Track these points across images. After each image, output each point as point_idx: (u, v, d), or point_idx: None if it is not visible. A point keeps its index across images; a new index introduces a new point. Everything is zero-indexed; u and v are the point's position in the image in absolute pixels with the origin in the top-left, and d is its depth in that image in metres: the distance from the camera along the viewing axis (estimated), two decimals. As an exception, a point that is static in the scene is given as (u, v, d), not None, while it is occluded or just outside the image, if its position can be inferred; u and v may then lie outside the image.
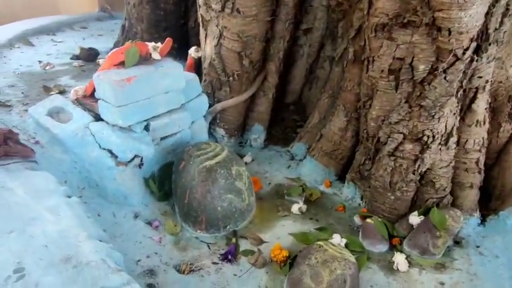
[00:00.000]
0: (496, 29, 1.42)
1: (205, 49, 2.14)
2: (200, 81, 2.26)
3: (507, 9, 1.42)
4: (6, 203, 1.10)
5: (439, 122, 1.55)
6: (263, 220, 1.79)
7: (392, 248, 1.67)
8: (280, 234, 1.70)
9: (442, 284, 1.49)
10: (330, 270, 1.30)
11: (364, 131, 1.85)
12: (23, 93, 2.19)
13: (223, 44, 1.96)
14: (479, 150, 1.75)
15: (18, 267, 0.88)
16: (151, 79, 1.56)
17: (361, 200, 1.96)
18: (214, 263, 1.45)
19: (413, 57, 1.47)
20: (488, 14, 1.35)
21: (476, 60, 1.44)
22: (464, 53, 1.37)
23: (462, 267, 1.58)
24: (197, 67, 2.32)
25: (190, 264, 1.42)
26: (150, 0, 2.45)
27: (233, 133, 2.34)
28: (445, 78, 1.44)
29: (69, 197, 1.17)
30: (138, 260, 1.39)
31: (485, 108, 1.73)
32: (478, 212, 1.82)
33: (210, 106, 2.20)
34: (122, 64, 1.58)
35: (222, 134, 2.31)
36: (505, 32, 1.59)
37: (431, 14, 1.32)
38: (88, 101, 1.73)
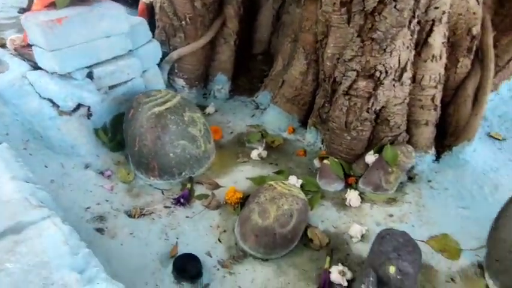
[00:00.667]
0: None
1: (155, -9, 2.00)
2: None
3: None
4: None
5: (391, 56, 1.50)
6: (222, 167, 1.79)
7: (348, 186, 1.70)
8: (237, 179, 1.70)
9: (391, 215, 1.55)
10: (277, 206, 1.32)
11: (322, 72, 1.80)
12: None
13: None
14: (435, 87, 1.73)
15: None
16: (87, 20, 1.45)
17: (322, 143, 1.96)
18: (166, 207, 1.46)
19: None
20: None
21: None
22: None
23: (412, 200, 1.63)
24: (150, 13, 2.17)
25: (141, 209, 1.42)
26: None
27: (194, 83, 2.27)
28: (395, 7, 1.37)
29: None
30: (88, 207, 1.38)
31: (443, 43, 1.68)
32: (433, 149, 1.84)
33: (166, 55, 2.12)
34: (53, 5, 1.46)
35: (181, 85, 2.23)
36: None
37: None
38: (26, 49, 1.61)
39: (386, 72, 1.54)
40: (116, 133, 1.71)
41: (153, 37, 2.00)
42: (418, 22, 1.55)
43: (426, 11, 1.57)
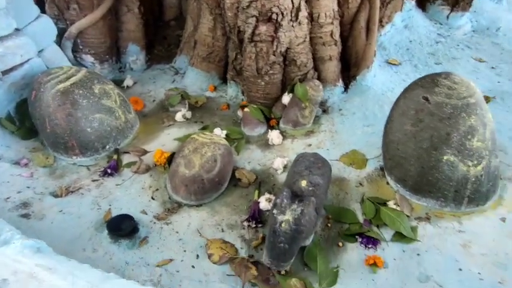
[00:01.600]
0: None
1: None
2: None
3: None
4: None
5: None
6: (148, 134, 1.80)
7: (271, 128, 1.84)
8: (165, 142, 1.73)
9: (310, 145, 1.72)
10: (200, 155, 1.40)
11: (227, 24, 1.85)
12: None
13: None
14: (332, 23, 1.88)
15: None
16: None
17: (243, 94, 2.05)
18: (94, 181, 1.46)
19: None
20: None
21: None
22: None
23: (326, 129, 1.82)
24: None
25: (67, 187, 1.40)
26: None
27: (104, 58, 2.17)
28: None
29: None
30: (7, 198, 1.33)
31: None
32: (340, 81, 2.04)
33: (64, 31, 1.98)
34: None
35: (90, 61, 2.12)
36: None
37: None
38: None
39: (282, 13, 1.64)
40: (23, 120, 1.61)
41: (44, 13, 1.86)
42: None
43: (310, -49, 1.67)
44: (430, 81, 1.31)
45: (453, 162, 1.26)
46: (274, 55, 1.74)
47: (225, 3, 1.73)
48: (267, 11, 1.62)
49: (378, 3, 1.98)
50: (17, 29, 1.59)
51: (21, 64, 1.62)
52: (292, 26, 1.71)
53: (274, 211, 1.10)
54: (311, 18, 1.82)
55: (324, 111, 1.96)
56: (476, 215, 1.32)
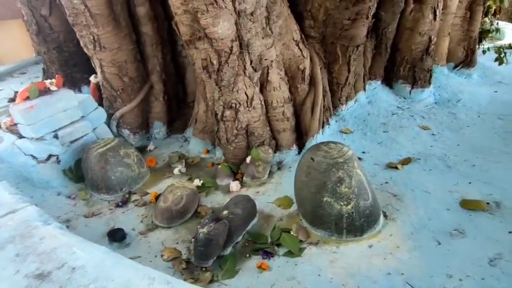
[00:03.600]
0: (248, 31, 2.30)
1: (98, 75, 2.97)
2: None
3: (252, 18, 2.30)
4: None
5: (238, 93, 2.43)
6: (153, 182, 2.63)
7: (237, 180, 2.54)
8: (162, 187, 2.53)
9: (258, 192, 2.37)
10: (173, 194, 2.15)
11: (210, 109, 2.73)
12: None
13: (105, 70, 2.80)
14: (283, 106, 2.65)
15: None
16: (49, 104, 2.38)
17: (224, 156, 2.83)
18: (110, 209, 2.28)
19: (209, 57, 2.34)
20: (237, 24, 2.23)
21: (242, 53, 2.32)
22: (231, 50, 2.26)
23: (274, 181, 2.47)
24: (99, 89, 3.14)
25: (93, 212, 2.24)
26: (55, 46, 3.26)
27: (136, 131, 3.17)
28: (228, 65, 2.32)
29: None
30: (58, 216, 2.20)
31: (280, 78, 2.63)
32: (295, 146, 2.72)
33: (112, 115, 3.05)
34: (28, 98, 2.39)
35: (127, 133, 3.14)
36: (278, 26, 2.50)
37: (203, 31, 2.19)
38: (13, 127, 2.52)
39: (240, 103, 2.47)
40: (78, 171, 2.57)
41: (102, 104, 2.96)
42: (255, 70, 2.50)
43: (260, 62, 2.53)
44: (316, 148, 1.96)
45: (330, 202, 1.83)
46: (237, 129, 2.54)
47: (210, 97, 2.63)
48: (229, 102, 2.46)
49: (320, 90, 2.72)
50: (82, 116, 2.64)
51: (82, 137, 2.64)
52: (248, 110, 2.51)
53: (198, 226, 1.78)
54: (266, 103, 2.62)
55: (279, 168, 2.63)
56: (353, 242, 1.82)
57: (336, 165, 1.84)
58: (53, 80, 2.50)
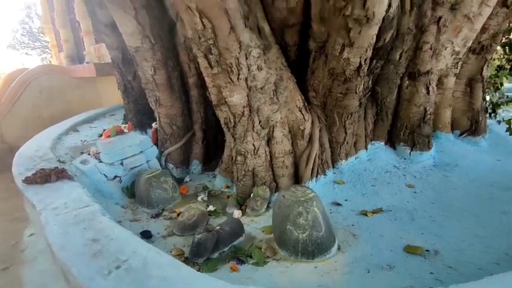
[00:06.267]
0: (258, 100, 3.18)
1: (157, 123, 4.12)
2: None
3: (261, 91, 3.19)
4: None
5: (247, 144, 3.27)
6: (181, 205, 3.51)
7: (239, 210, 3.28)
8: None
9: (253, 220, 3.08)
10: (188, 212, 2.99)
11: (228, 155, 3.61)
12: (71, 156, 4.26)
13: (161, 119, 3.93)
14: (283, 157, 3.40)
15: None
16: (121, 141, 3.51)
17: (236, 191, 3.62)
18: (146, 218, 3.20)
19: (228, 116, 3.25)
20: (248, 96, 3.13)
21: (251, 115, 3.18)
22: (243, 113, 3.15)
23: (268, 214, 3.14)
24: (157, 132, 4.28)
25: (136, 219, 3.18)
26: (133, 100, 4.58)
27: (178, 166, 4.18)
28: (240, 124, 3.20)
29: (84, 188, 3.05)
30: (113, 218, 3.18)
31: (283, 134, 3.42)
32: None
33: (162, 152, 4.13)
34: (109, 136, 3.56)
35: (171, 167, 4.16)
36: (283, 96, 3.35)
37: (224, 99, 3.14)
38: (97, 154, 3.71)
39: (248, 152, 3.29)
40: (131, 189, 3.60)
41: (156, 144, 4.06)
42: (262, 127, 3.33)
43: (267, 122, 3.36)
44: (288, 189, 2.65)
45: (291, 229, 2.47)
46: (244, 171, 3.34)
47: (228, 145, 3.53)
48: (240, 150, 3.31)
49: (316, 148, 3.42)
50: (141, 151, 3.73)
51: (138, 166, 3.71)
52: (254, 157, 3.32)
53: (195, 234, 2.56)
54: (270, 153, 3.41)
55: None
56: (304, 263, 2.39)
57: (298, 203, 2.51)
58: (126, 125, 3.67)
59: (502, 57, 4.14)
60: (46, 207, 2.73)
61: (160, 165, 4.02)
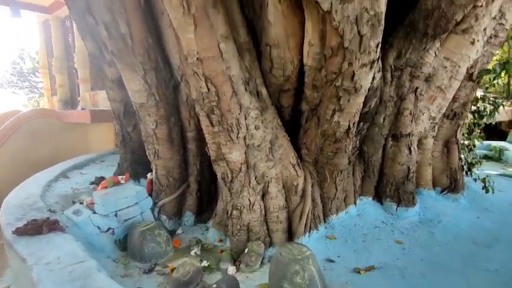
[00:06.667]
0: (254, 157, 3.36)
1: (153, 174, 4.20)
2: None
3: (258, 148, 3.38)
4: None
5: (243, 199, 3.38)
6: (174, 259, 3.48)
7: (233, 265, 3.28)
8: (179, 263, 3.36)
9: (247, 277, 3.08)
10: (183, 268, 2.97)
11: (222, 209, 3.69)
12: (62, 205, 4.20)
13: (158, 171, 4.02)
14: (277, 211, 3.51)
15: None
16: (117, 192, 3.55)
17: (230, 245, 3.63)
18: (138, 274, 3.14)
19: (226, 172, 3.40)
20: (246, 153, 3.31)
21: (248, 171, 3.34)
22: (240, 169, 3.30)
23: (263, 271, 3.15)
24: (152, 183, 4.33)
25: (127, 274, 3.12)
26: (130, 150, 4.68)
27: (171, 217, 4.18)
28: (237, 179, 3.34)
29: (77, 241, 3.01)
30: (111, 276, 3.11)
31: (277, 190, 3.56)
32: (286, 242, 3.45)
33: (156, 203, 4.15)
34: (106, 188, 3.60)
35: (164, 218, 4.15)
36: (278, 153, 3.55)
37: (223, 155, 3.30)
38: (91, 205, 3.70)
39: (243, 207, 3.39)
40: (124, 242, 3.55)
41: (150, 194, 4.10)
42: (258, 183, 3.48)
43: (263, 178, 3.52)
44: (284, 246, 2.73)
45: (288, 287, 2.51)
46: (239, 226, 3.41)
47: (224, 199, 3.62)
48: (236, 204, 3.41)
49: (308, 203, 3.56)
50: (136, 203, 3.76)
51: (132, 217, 3.70)
52: (250, 212, 3.41)
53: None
54: (265, 208, 3.51)
55: (270, 261, 3.33)
56: (302, 324, 2.40)
57: (295, 261, 2.58)
58: (123, 176, 3.73)
59: (472, 122, 4.60)
60: (38, 262, 2.68)
61: (154, 216, 4.02)
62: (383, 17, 2.65)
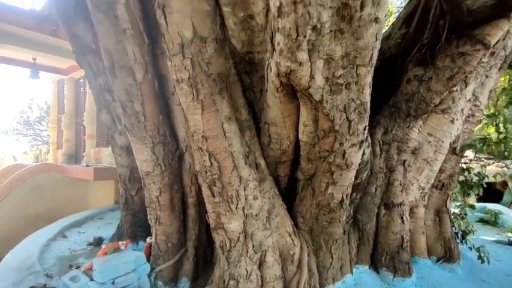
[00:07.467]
0: (252, 226, 3.49)
1: (153, 239, 4.27)
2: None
3: (255, 217, 3.53)
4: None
5: (240, 268, 3.44)
6: (168, 331, 3.42)
7: None
8: (173, 337, 3.30)
9: None
10: None
11: (219, 276, 3.71)
12: (59, 268, 4.20)
13: (158, 236, 4.11)
14: (274, 281, 3.53)
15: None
16: (117, 258, 3.61)
17: (226, 316, 3.59)
18: None
19: (224, 240, 3.50)
20: (244, 222, 3.45)
21: (246, 241, 3.45)
22: (238, 238, 3.42)
23: None
24: (150, 247, 4.38)
25: None
26: (132, 213, 4.80)
27: (167, 283, 4.15)
28: (235, 248, 3.43)
29: (73, 313, 3.01)
30: None
31: (274, 259, 3.62)
32: (281, 317, 3.43)
33: (154, 268, 4.17)
34: (106, 254, 3.67)
35: (160, 284, 4.13)
36: (275, 222, 3.68)
37: (221, 224, 3.44)
38: (89, 271, 3.72)
39: (240, 276, 3.43)
40: (119, 311, 3.52)
41: (148, 259, 4.13)
42: (255, 252, 3.56)
43: (260, 247, 3.61)
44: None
45: None
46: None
47: (221, 268, 3.67)
48: (233, 274, 3.46)
49: (304, 273, 3.61)
50: (134, 269, 3.79)
51: (129, 285, 3.71)
52: (246, 282, 3.45)
53: None
54: (261, 277, 3.55)
55: (265, 335, 3.29)
56: None
57: None
58: (124, 242, 3.82)
59: (460, 192, 4.81)
60: (33, 335, 2.68)
61: (150, 282, 4.01)
62: (368, 105, 2.99)
